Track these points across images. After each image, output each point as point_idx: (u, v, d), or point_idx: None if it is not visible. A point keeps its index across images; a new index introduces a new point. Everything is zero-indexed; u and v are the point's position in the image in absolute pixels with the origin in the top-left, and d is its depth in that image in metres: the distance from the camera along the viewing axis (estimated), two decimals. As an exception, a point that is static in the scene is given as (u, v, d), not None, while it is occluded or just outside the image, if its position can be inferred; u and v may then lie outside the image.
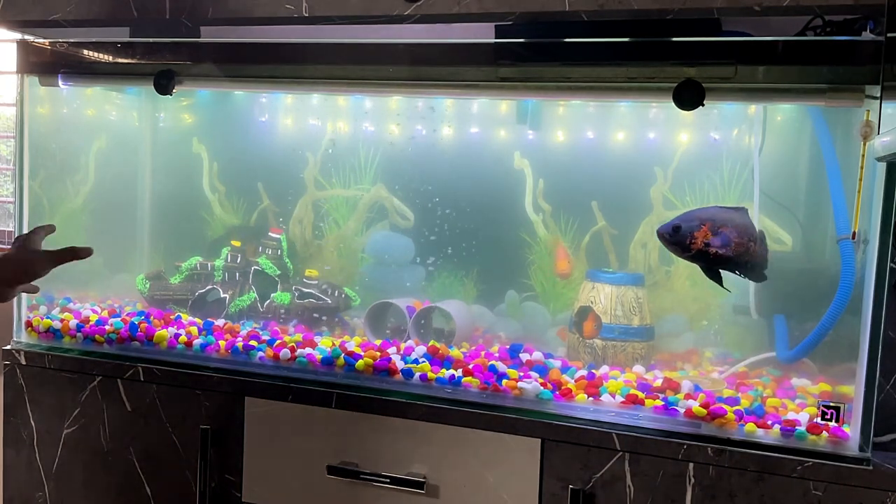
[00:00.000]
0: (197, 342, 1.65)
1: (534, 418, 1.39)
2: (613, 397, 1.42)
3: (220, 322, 1.76)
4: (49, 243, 1.35)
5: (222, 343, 1.63)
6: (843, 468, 1.24)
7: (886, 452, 1.31)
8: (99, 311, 1.82)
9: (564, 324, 1.70)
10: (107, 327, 1.70)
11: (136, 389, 1.61)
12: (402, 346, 1.63)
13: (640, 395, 1.41)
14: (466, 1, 1.37)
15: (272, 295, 1.82)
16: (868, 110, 1.24)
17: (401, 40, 1.49)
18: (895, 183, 1.24)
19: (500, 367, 1.51)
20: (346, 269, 1.91)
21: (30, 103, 1.74)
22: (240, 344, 1.62)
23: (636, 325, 1.59)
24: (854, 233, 1.27)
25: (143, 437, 1.61)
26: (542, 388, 1.44)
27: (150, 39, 1.64)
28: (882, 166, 1.24)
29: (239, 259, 1.86)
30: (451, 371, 1.51)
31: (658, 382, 1.47)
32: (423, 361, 1.55)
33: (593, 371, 1.53)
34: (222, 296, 1.84)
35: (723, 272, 1.34)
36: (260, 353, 1.60)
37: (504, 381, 1.45)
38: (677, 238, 1.31)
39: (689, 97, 1.32)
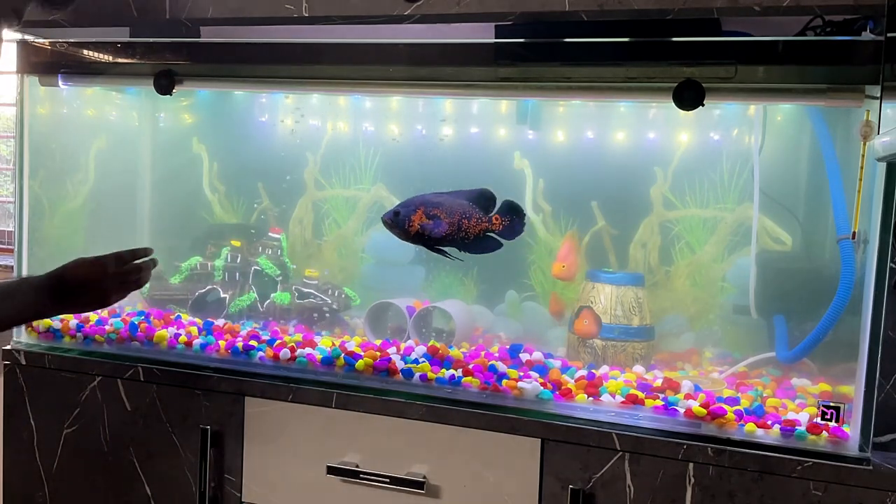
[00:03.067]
0: (197, 342, 1.65)
1: (534, 418, 1.39)
2: (613, 397, 1.42)
3: (220, 322, 1.76)
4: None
5: (222, 343, 1.63)
6: (843, 468, 1.24)
7: (886, 452, 1.31)
8: (99, 311, 1.82)
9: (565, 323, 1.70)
10: (107, 327, 1.70)
11: (136, 389, 1.61)
12: (402, 346, 1.63)
13: (640, 395, 1.41)
14: (466, 1, 1.37)
15: (272, 295, 1.82)
16: (868, 110, 1.24)
17: (401, 40, 1.49)
18: (895, 183, 1.24)
19: (500, 367, 1.51)
20: (346, 269, 1.91)
21: (30, 103, 1.74)
22: (240, 344, 1.62)
23: (636, 325, 1.59)
24: (854, 233, 1.27)
25: (143, 437, 1.61)
26: (542, 388, 1.44)
27: (150, 39, 1.64)
28: (882, 166, 1.25)
29: (239, 259, 1.86)
30: (451, 371, 1.51)
31: (658, 382, 1.47)
32: (423, 361, 1.55)
33: (593, 371, 1.53)
34: (222, 296, 1.84)
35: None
36: (260, 353, 1.60)
37: (504, 381, 1.45)
38: (397, 222, 1.41)
39: (689, 97, 1.32)
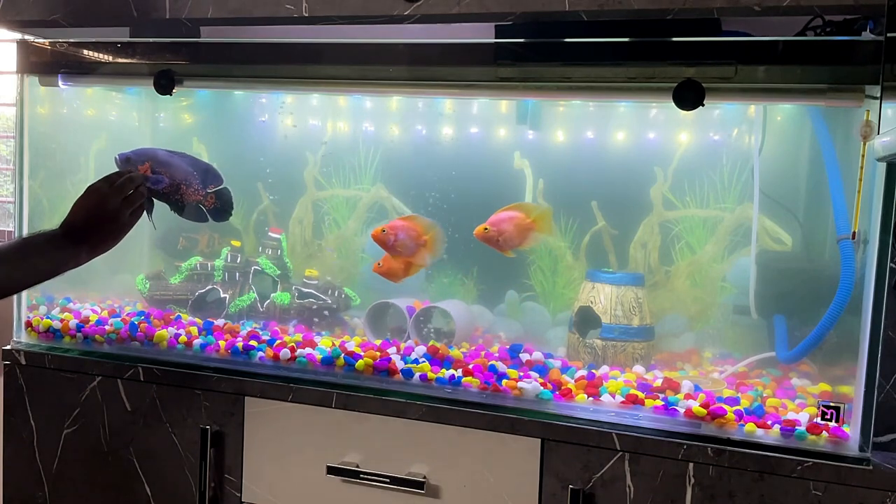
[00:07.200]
0: (197, 342, 1.65)
1: (534, 418, 1.39)
2: (613, 397, 1.42)
3: (220, 322, 1.76)
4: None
5: (222, 343, 1.63)
6: (843, 468, 1.25)
7: (886, 452, 1.31)
8: (99, 311, 1.82)
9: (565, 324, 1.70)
10: (107, 327, 1.70)
11: (136, 389, 1.61)
12: (402, 346, 1.63)
13: (640, 395, 1.41)
14: (466, 1, 1.37)
15: (272, 295, 1.81)
16: (868, 110, 1.24)
17: (401, 40, 1.49)
18: (895, 183, 1.24)
19: (500, 367, 1.51)
20: (346, 269, 1.91)
21: (30, 103, 1.73)
22: (240, 344, 1.62)
23: (636, 325, 1.59)
24: (854, 233, 1.27)
25: (143, 437, 1.61)
26: (542, 388, 1.44)
27: (150, 39, 1.64)
28: (882, 166, 1.24)
29: (239, 259, 1.86)
30: (451, 371, 1.51)
31: (658, 382, 1.47)
32: (423, 361, 1.55)
33: (593, 371, 1.53)
34: (222, 296, 1.84)
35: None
36: (260, 353, 1.60)
37: (504, 381, 1.45)
38: (124, 166, 1.48)
39: (689, 97, 1.32)
